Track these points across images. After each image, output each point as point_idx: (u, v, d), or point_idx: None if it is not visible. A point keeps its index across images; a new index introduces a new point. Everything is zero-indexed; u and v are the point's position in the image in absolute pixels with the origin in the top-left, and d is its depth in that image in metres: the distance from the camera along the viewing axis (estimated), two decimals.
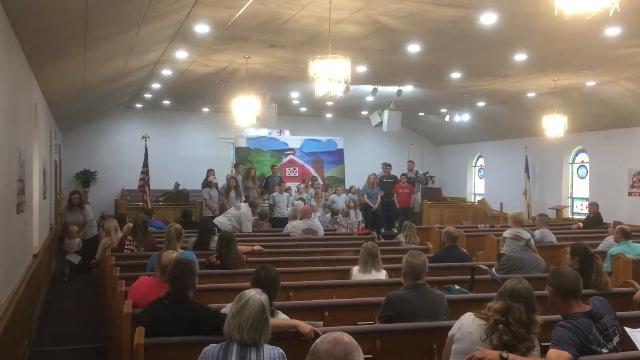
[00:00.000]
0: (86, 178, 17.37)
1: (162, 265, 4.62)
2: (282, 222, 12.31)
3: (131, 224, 8.18)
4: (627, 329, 3.92)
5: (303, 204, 11.89)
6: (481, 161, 19.76)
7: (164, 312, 3.75)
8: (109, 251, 7.44)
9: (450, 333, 3.48)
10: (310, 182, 15.04)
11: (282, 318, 3.89)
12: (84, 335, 7.18)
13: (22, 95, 6.44)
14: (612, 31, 7.93)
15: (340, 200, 13.85)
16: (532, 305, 3.28)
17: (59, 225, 11.37)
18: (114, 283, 5.57)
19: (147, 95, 15.11)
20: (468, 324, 3.35)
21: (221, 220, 9.38)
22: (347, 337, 2.31)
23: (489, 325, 3.24)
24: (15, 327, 5.42)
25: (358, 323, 4.53)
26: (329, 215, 13.52)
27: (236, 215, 9.70)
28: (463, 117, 17.66)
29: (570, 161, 15.97)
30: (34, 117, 7.96)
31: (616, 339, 3.43)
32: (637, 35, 8.17)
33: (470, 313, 3.41)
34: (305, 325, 3.77)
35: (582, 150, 15.56)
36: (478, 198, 18.69)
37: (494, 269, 6.16)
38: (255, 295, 2.98)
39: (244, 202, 13.03)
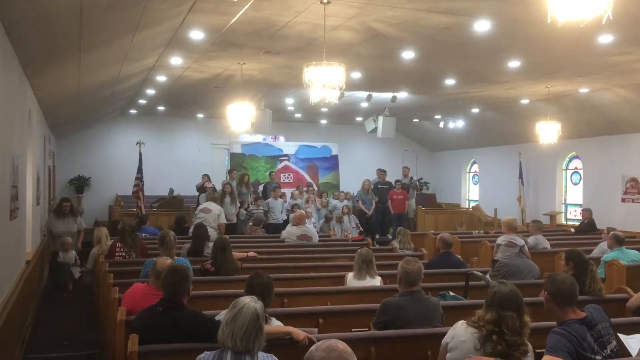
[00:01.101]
0: (80, 184, 17.30)
1: (156, 272, 4.60)
2: (277, 228, 12.31)
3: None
4: (621, 336, 3.94)
5: (302, 210, 11.87)
6: (475, 167, 19.81)
7: (157, 319, 3.73)
8: (103, 257, 7.40)
9: (443, 342, 3.48)
10: (305, 189, 15.02)
11: (275, 325, 3.88)
12: (77, 343, 7.14)
13: (16, 102, 6.43)
14: (605, 38, 7.98)
15: (341, 206, 13.82)
16: (522, 309, 3.28)
17: (48, 235, 10.53)
18: (108, 290, 5.55)
19: (142, 101, 15.09)
20: (461, 333, 3.35)
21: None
22: (341, 345, 2.30)
23: (482, 334, 3.23)
24: (7, 334, 5.39)
25: (353, 330, 4.52)
26: (322, 221, 13.41)
27: (213, 217, 9.85)
28: (457, 124, 17.72)
29: (564, 167, 16.03)
30: (27, 123, 7.94)
31: (610, 347, 3.43)
32: (629, 43, 8.23)
33: (463, 321, 3.41)
34: (299, 332, 3.76)
35: (576, 157, 15.62)
36: (472, 204, 18.73)
37: (488, 275, 6.17)
38: (250, 302, 2.96)
39: (239, 207, 13.10)
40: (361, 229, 13.72)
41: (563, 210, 15.93)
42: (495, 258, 7.87)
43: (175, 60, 9.69)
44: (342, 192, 14.83)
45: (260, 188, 15.17)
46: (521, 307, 3.27)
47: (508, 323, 3.19)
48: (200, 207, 10.40)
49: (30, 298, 7.92)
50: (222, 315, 3.49)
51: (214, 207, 10.05)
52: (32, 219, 8.53)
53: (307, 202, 14.12)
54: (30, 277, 7.68)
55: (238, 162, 16.44)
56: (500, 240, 8.08)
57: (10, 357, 5.68)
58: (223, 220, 10.14)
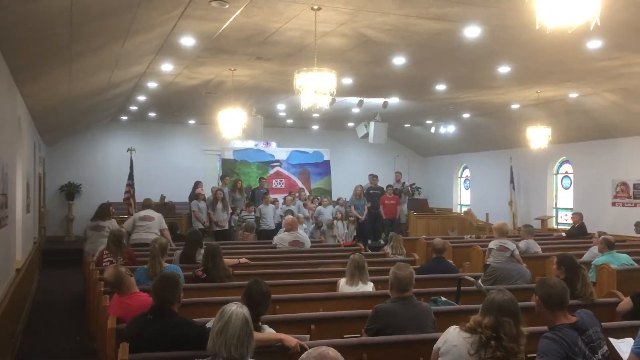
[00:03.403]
0: (71, 191, 17.19)
1: (109, 283, 4.79)
2: (268, 234, 12.28)
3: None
4: (612, 340, 3.96)
5: (292, 216, 11.82)
6: (467, 172, 19.88)
7: (148, 327, 3.70)
8: (93, 265, 7.36)
9: (435, 346, 3.48)
10: (297, 194, 15.01)
11: (267, 332, 3.86)
12: (68, 351, 7.09)
13: (6, 109, 6.39)
14: (594, 44, 8.04)
15: (326, 212, 13.78)
16: (519, 318, 3.29)
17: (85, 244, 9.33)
18: (98, 298, 5.51)
19: (133, 108, 15.04)
20: (453, 337, 3.35)
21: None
22: (332, 352, 2.30)
23: (479, 340, 3.22)
24: None
25: (345, 336, 4.51)
26: (312, 227, 13.37)
27: (157, 223, 9.31)
28: (448, 129, 17.78)
29: (554, 172, 16.11)
30: (17, 130, 7.90)
31: (602, 352, 3.44)
32: (617, 48, 8.30)
33: (456, 326, 3.41)
34: (291, 339, 3.74)
35: (566, 161, 15.71)
36: (464, 209, 18.79)
37: (480, 280, 6.18)
38: (237, 309, 2.93)
39: (231, 214, 13.07)
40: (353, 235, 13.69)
41: (554, 214, 16.00)
42: (487, 262, 7.90)
43: (166, 67, 9.68)
44: (327, 198, 14.80)
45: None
46: (518, 315, 3.28)
47: (505, 328, 3.20)
48: (140, 215, 9.59)
49: (20, 306, 7.86)
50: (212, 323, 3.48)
51: (154, 214, 9.63)
52: (22, 227, 8.47)
53: (303, 207, 14.08)
54: (20, 286, 7.62)
55: (230, 168, 16.42)
56: (492, 244, 8.11)
57: None
58: (165, 227, 9.45)
